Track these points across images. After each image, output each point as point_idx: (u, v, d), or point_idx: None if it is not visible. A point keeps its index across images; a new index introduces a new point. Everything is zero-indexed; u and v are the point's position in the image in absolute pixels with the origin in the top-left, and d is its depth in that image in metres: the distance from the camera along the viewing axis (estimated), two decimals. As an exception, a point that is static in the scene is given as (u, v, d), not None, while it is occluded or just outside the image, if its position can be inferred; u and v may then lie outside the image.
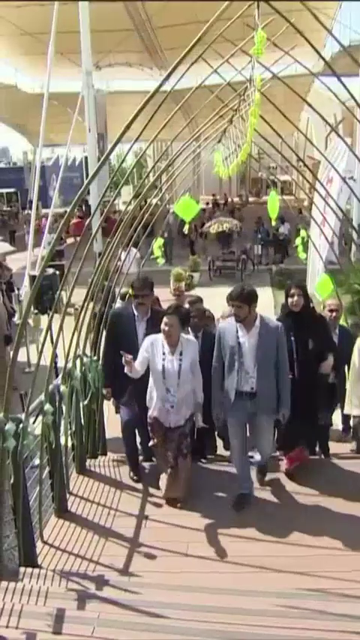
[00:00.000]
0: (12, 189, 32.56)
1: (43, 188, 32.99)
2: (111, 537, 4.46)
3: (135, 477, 5.32)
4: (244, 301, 4.57)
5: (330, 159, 8.65)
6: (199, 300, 6.27)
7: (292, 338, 4.95)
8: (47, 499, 4.72)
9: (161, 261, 8.58)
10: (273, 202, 6.50)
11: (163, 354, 4.76)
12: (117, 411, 5.99)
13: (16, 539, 3.94)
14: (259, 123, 4.71)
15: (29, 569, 3.84)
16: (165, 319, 4.68)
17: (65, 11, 15.32)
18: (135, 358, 4.91)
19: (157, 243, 7.94)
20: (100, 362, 5.79)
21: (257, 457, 5.28)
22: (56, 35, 14.53)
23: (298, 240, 10.78)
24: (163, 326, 4.68)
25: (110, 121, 22.06)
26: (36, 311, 7.20)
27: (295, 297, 5.09)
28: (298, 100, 6.86)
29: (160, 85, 3.45)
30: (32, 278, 12.76)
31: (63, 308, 5.26)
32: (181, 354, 4.76)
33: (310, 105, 6.28)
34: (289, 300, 5.15)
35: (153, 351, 4.79)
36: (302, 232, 10.29)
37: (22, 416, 3.67)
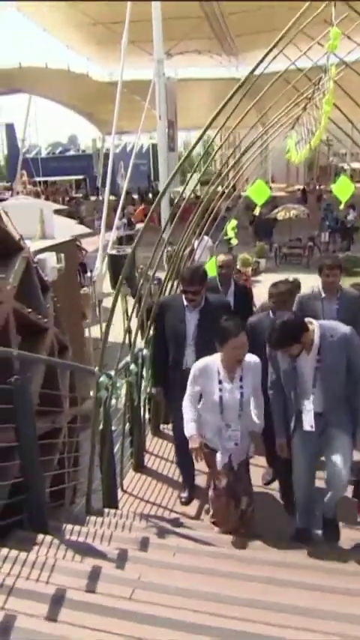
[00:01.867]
0: (81, 176, 33.61)
1: (111, 175, 34.10)
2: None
3: (184, 499, 4.78)
4: (292, 342, 3.69)
5: None
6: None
7: None
8: (126, 454, 5.27)
9: (235, 241, 8.95)
10: (345, 186, 6.65)
11: (220, 382, 3.80)
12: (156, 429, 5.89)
13: (102, 484, 4.51)
14: (331, 109, 5.00)
15: (112, 510, 4.38)
16: (234, 342, 3.65)
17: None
18: (182, 356, 4.44)
19: (231, 224, 8.33)
20: (149, 358, 5.29)
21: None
22: (132, 25, 15.12)
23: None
24: (233, 351, 3.70)
25: (179, 109, 22.54)
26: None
27: None
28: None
29: (252, 72, 3.79)
30: (110, 257, 13.49)
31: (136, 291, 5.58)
32: (241, 379, 3.81)
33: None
34: None
35: (207, 380, 3.83)
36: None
37: (113, 372, 4.21)
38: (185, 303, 4.59)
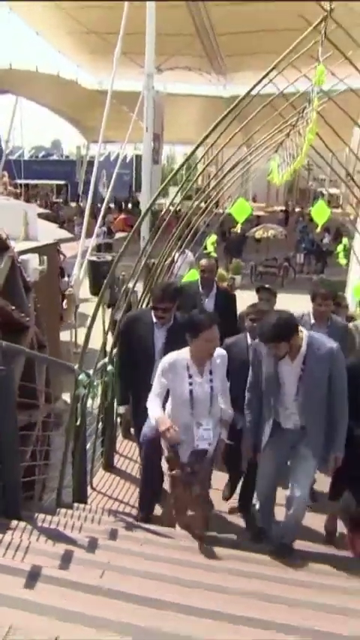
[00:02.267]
0: (62, 182, 33.75)
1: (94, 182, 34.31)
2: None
3: (141, 518, 4.49)
4: (283, 338, 3.66)
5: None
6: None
7: None
8: (97, 454, 5.45)
9: (214, 255, 9.24)
10: (321, 210, 7.02)
11: (190, 376, 3.76)
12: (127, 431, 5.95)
13: (72, 480, 4.68)
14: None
15: (81, 505, 4.56)
16: (207, 334, 3.63)
17: (130, 12, 16.17)
18: (149, 374, 4.24)
19: (211, 239, 8.63)
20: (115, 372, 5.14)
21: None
22: (124, 36, 15.41)
23: (339, 247, 11.34)
24: (204, 344, 3.67)
25: (164, 122, 22.89)
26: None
27: None
28: (353, 115, 7.41)
29: (243, 97, 4.05)
30: (90, 263, 13.64)
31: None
32: (211, 372, 3.79)
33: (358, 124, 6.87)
34: None
35: (175, 374, 3.78)
36: (344, 240, 10.85)
37: (91, 372, 4.42)
38: (154, 319, 4.53)
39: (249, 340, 4.48)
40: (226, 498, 5.02)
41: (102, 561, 2.96)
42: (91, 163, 34.64)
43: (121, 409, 4.85)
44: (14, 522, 3.40)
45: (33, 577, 2.51)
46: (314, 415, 3.76)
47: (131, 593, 2.45)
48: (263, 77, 4.12)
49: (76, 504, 4.53)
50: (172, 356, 3.81)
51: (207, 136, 4.35)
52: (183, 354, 3.78)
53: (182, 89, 26.79)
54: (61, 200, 34.26)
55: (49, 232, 10.15)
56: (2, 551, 2.90)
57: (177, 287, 4.83)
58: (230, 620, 2.32)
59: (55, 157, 41.28)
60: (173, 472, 3.85)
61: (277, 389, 3.80)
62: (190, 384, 3.74)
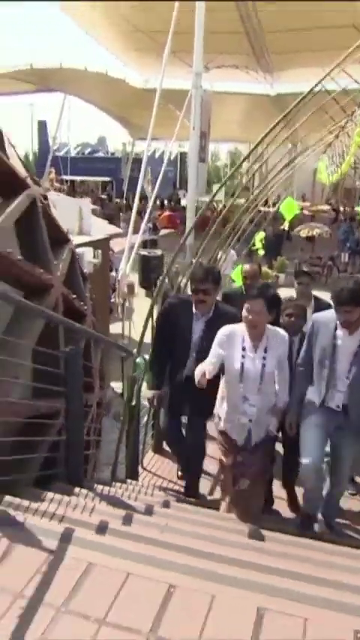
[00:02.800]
0: (107, 179, 34.38)
1: (137, 179, 34.84)
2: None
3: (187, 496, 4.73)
4: (357, 304, 3.70)
5: None
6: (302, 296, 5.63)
7: None
8: (147, 436, 5.81)
9: (261, 252, 9.49)
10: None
11: (243, 349, 3.82)
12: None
13: (126, 458, 5.05)
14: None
15: (134, 481, 4.91)
16: (247, 305, 3.75)
17: (178, 11, 16.50)
18: (183, 365, 4.29)
19: (260, 236, 8.90)
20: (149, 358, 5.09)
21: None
22: (173, 35, 15.75)
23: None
24: (245, 313, 3.78)
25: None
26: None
27: None
28: None
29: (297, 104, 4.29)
30: (142, 257, 14.04)
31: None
32: (265, 350, 3.81)
33: None
34: None
35: (230, 345, 3.85)
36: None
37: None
38: (194, 310, 4.43)
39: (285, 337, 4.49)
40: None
41: (160, 523, 3.28)
42: (136, 160, 35.34)
43: (149, 393, 4.79)
44: (77, 489, 3.76)
45: (101, 530, 2.84)
46: (359, 395, 3.83)
47: (190, 547, 2.76)
48: (317, 84, 4.36)
49: (129, 480, 4.88)
50: (231, 327, 3.88)
51: (266, 135, 4.61)
52: (241, 326, 3.85)
53: (229, 87, 26.98)
54: (105, 197, 34.90)
55: (100, 227, 10.58)
56: (70, 510, 3.25)
57: (219, 271, 4.66)
58: (273, 572, 2.60)
59: (100, 154, 41.98)
60: (222, 459, 4.04)
61: (331, 363, 3.85)
62: (243, 357, 3.79)
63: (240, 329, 3.85)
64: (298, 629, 2.11)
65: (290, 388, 4.10)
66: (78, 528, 2.67)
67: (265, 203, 10.52)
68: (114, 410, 7.68)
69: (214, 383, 3.95)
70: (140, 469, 5.39)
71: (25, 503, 2.94)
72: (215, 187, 32.96)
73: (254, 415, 3.84)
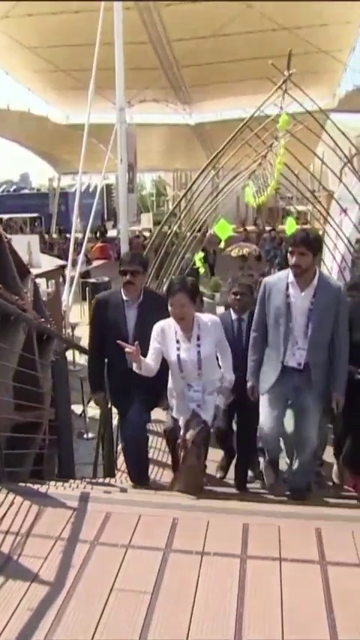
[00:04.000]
0: (35, 215, 34.75)
1: (65, 213, 35.40)
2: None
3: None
4: (310, 247, 3.78)
5: (345, 191, 10.31)
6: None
7: None
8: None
9: (203, 270, 10.24)
10: (291, 227, 8.17)
11: (177, 342, 3.98)
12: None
13: (104, 459, 5.69)
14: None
15: (112, 478, 5.55)
16: (171, 299, 3.91)
17: (99, 48, 17.50)
18: (124, 356, 4.06)
19: (199, 255, 9.73)
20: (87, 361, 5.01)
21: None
22: (89, 72, 16.69)
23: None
24: (171, 309, 3.93)
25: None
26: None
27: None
28: (315, 135, 8.57)
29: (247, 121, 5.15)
30: (90, 285, 14.62)
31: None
32: (198, 338, 3.97)
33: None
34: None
35: (164, 339, 4.01)
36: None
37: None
38: (124, 298, 4.45)
39: (233, 316, 4.81)
40: (221, 478, 5.24)
41: (151, 490, 3.98)
42: (62, 195, 35.95)
43: (96, 396, 4.78)
44: (70, 480, 4.38)
45: (109, 493, 3.53)
46: (319, 352, 3.89)
47: (177, 503, 3.47)
48: (244, 124, 5.21)
49: (107, 478, 5.52)
50: (164, 321, 4.04)
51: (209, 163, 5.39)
52: (173, 320, 4.00)
53: (150, 119, 28.18)
54: (36, 233, 35.19)
55: (48, 260, 11.20)
56: (77, 488, 3.83)
57: (147, 259, 4.80)
58: (253, 499, 3.35)
59: (26, 191, 42.38)
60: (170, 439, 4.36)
61: (287, 322, 3.87)
62: (178, 348, 3.97)
63: (171, 322, 4.01)
64: (274, 533, 2.88)
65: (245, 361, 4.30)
66: (91, 493, 3.35)
67: (200, 229, 11.37)
68: (76, 430, 8.25)
69: (159, 372, 4.11)
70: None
71: (38, 485, 3.56)
72: (143, 216, 33.88)
73: (200, 400, 4.02)
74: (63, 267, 12.13)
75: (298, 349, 3.92)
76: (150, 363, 3.97)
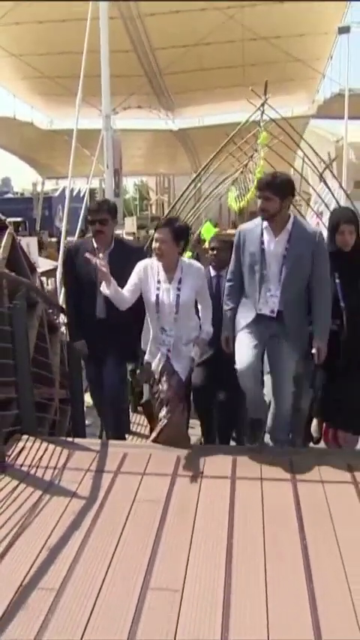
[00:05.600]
0: (19, 219, 35.44)
1: (48, 218, 36.09)
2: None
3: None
4: (276, 191, 3.73)
5: (322, 194, 11.20)
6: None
7: (338, 281, 4.03)
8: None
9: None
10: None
11: (158, 282, 3.97)
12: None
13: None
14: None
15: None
16: (155, 234, 3.94)
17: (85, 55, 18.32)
18: (94, 303, 4.37)
19: (187, 254, 10.50)
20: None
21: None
22: (76, 79, 17.53)
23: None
24: (154, 243, 3.95)
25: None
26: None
27: (346, 235, 4.05)
28: (296, 139, 9.42)
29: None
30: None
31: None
32: (180, 281, 3.96)
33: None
34: (338, 237, 4.10)
35: (146, 277, 4.00)
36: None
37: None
38: (95, 245, 4.46)
39: (212, 272, 4.84)
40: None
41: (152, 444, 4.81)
42: (46, 199, 36.63)
43: (78, 345, 4.86)
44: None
45: (124, 439, 4.36)
46: (294, 300, 3.86)
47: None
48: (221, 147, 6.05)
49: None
50: (147, 260, 4.09)
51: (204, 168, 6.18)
52: (155, 259, 4.01)
53: (133, 124, 29.03)
54: (20, 237, 35.76)
55: (43, 262, 12.02)
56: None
57: (115, 205, 4.80)
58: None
59: (9, 195, 43.01)
60: (143, 400, 4.49)
61: (262, 269, 3.83)
62: (158, 288, 3.96)
63: (155, 263, 4.01)
64: (257, 460, 3.73)
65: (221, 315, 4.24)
66: (109, 441, 4.19)
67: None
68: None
69: (129, 323, 4.31)
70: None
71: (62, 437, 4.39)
72: (127, 220, 34.54)
73: (171, 345, 4.01)
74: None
75: (271, 296, 3.87)
76: (125, 293, 3.96)
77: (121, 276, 3.95)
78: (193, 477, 3.62)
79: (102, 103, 19.58)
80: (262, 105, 6.40)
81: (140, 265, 4.03)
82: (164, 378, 4.01)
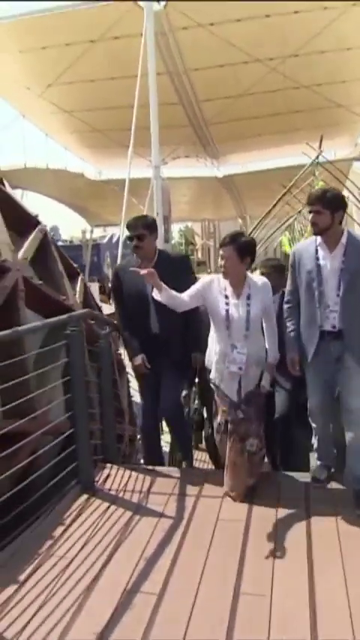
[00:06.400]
0: (70, 266, 36.68)
1: (97, 264, 37.16)
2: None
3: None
4: (326, 205, 3.75)
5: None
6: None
7: None
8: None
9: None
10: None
11: (226, 297, 3.89)
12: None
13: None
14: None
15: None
16: (220, 251, 3.86)
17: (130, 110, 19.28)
18: (147, 319, 4.36)
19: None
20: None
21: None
22: (123, 132, 18.46)
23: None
24: (220, 261, 3.88)
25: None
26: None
27: None
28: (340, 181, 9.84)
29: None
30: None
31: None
32: (248, 297, 3.89)
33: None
34: None
35: (212, 292, 3.92)
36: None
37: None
38: (139, 261, 4.53)
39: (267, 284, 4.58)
40: None
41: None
42: (94, 246, 37.75)
43: (137, 360, 4.72)
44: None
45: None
46: (354, 314, 3.78)
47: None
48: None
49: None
50: (211, 276, 4.01)
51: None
52: (220, 276, 3.95)
53: (180, 172, 29.99)
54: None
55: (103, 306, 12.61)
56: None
57: (153, 219, 4.79)
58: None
59: (60, 243, 44.51)
60: (216, 422, 4.14)
61: (319, 285, 3.79)
62: (227, 304, 3.87)
63: (220, 278, 3.95)
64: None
65: (281, 339, 4.18)
66: (187, 468, 4.54)
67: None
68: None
69: (183, 336, 4.45)
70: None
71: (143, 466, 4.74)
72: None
73: (243, 363, 3.87)
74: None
75: (330, 312, 3.83)
76: (185, 297, 3.91)
77: (170, 283, 3.95)
78: (269, 502, 3.94)
79: (152, 154, 20.62)
80: (317, 157, 6.85)
81: (207, 278, 4.01)
82: (242, 407, 3.93)
